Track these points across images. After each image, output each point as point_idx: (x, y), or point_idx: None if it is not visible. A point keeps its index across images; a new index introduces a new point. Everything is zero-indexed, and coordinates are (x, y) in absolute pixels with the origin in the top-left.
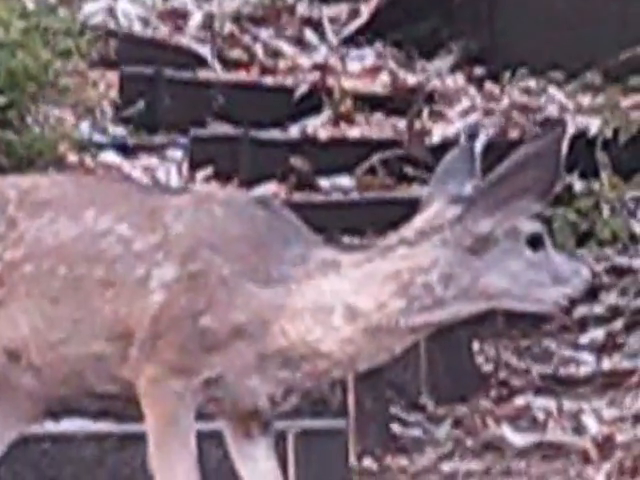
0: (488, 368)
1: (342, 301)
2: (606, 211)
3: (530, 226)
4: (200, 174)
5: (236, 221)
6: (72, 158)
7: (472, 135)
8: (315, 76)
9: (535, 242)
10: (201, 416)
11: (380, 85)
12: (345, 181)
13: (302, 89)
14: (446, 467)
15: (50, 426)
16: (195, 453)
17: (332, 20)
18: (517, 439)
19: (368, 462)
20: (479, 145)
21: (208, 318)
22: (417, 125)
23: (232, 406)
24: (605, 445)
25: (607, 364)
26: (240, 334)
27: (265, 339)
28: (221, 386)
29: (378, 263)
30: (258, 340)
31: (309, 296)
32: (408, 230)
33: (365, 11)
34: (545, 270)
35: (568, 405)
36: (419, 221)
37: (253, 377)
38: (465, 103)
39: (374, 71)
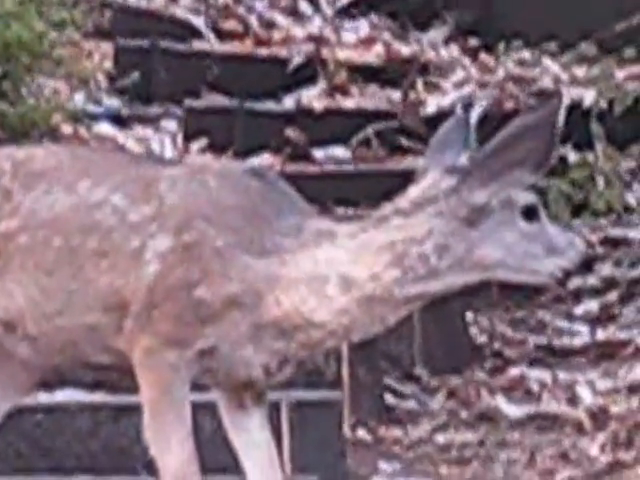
0: (482, 339)
1: (336, 271)
2: (601, 182)
3: (525, 197)
4: (195, 145)
5: (230, 192)
6: (66, 129)
7: (467, 106)
8: (309, 47)
9: (530, 213)
10: (195, 387)
11: (374, 56)
12: (339, 152)
13: (296, 60)
14: (440, 438)
15: (44, 397)
16: (189, 424)
17: None
18: (511, 410)
19: (362, 433)
20: (474, 116)
21: (202, 289)
22: (411, 96)
23: (226, 377)
24: (599, 416)
25: (602, 335)
26: (234, 305)
27: (259, 310)
28: (215, 357)
29: (373, 233)
30: (252, 311)
31: (303, 266)
32: (403, 201)
33: None
34: (540, 241)
35: (562, 376)
36: (414, 192)
37: (247, 348)
38: (460, 74)
39: (368, 42)
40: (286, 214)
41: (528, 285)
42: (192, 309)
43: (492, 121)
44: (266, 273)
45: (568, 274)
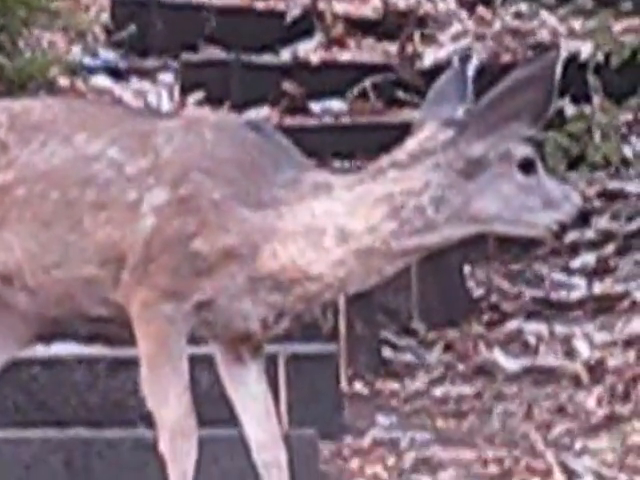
0: (479, 292)
1: (333, 223)
2: (598, 135)
3: (522, 150)
4: (191, 98)
5: (227, 144)
6: (63, 82)
7: (464, 59)
8: (306, 0)
9: (527, 166)
10: (193, 340)
11: (372, 9)
12: (336, 105)
13: (293, 13)
14: (437, 391)
15: (41, 350)
16: (187, 376)
17: None
18: (508, 363)
19: (359, 386)
20: (471, 68)
21: (199, 241)
22: (408, 49)
23: (224, 330)
24: (596, 369)
25: (599, 288)
26: (231, 257)
27: (256, 262)
28: (212, 309)
29: (370, 186)
30: (249, 263)
31: (300, 219)
32: (400, 153)
33: None
34: (536, 194)
35: (559, 329)
36: (411, 144)
37: (244, 300)
38: (457, 27)
39: None
40: (283, 166)
41: (525, 238)
42: (189, 262)
43: (489, 74)
44: (263, 225)
45: (564, 227)
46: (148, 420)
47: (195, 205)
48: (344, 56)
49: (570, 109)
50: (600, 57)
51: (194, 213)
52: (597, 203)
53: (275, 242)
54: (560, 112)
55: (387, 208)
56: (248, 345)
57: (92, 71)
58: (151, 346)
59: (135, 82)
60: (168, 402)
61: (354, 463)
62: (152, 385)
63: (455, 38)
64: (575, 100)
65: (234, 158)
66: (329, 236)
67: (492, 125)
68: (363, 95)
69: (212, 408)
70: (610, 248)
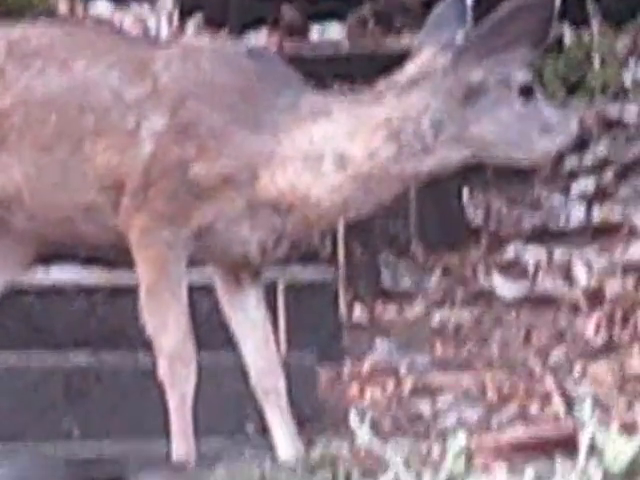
0: (478, 218)
1: (332, 148)
2: (597, 61)
3: (521, 76)
4: (190, 23)
5: (225, 71)
6: (63, 8)
7: None
8: None
9: (526, 92)
10: (192, 265)
11: None
12: (335, 30)
13: None
14: (436, 316)
15: (40, 277)
16: (186, 302)
17: None
18: (507, 289)
19: (358, 311)
20: None
21: (198, 167)
22: None
23: (222, 255)
24: (595, 295)
25: (597, 214)
26: (230, 182)
27: (255, 186)
28: (211, 234)
29: (369, 110)
30: (248, 188)
31: (299, 144)
32: (399, 77)
33: None
34: (535, 120)
35: (558, 255)
36: (410, 68)
37: (243, 225)
38: None
39: None
40: (282, 91)
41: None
42: (187, 187)
43: (489, 0)
44: (261, 150)
45: (563, 152)
46: (147, 346)
47: (194, 131)
48: None
49: (569, 35)
50: None
51: (193, 139)
52: (596, 129)
53: (274, 167)
54: (559, 38)
55: (386, 132)
56: (247, 271)
57: None
58: (150, 272)
59: (134, 8)
60: (167, 328)
61: (353, 388)
62: (151, 311)
63: None
64: (574, 26)
65: (232, 84)
66: (328, 161)
67: (492, 50)
68: (362, 21)
69: (211, 333)
70: (609, 174)
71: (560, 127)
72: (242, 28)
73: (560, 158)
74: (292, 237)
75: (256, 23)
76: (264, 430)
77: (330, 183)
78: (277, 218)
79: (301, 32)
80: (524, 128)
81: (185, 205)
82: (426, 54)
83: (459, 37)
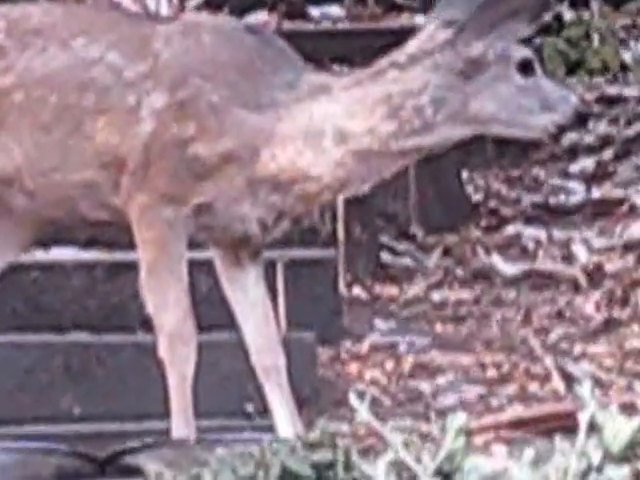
0: (478, 197)
1: (333, 124)
2: (596, 40)
3: (521, 52)
4: (190, 2)
5: (225, 48)
6: None
7: None
8: None
9: (525, 68)
10: (192, 244)
11: None
12: (335, 10)
13: None
14: (436, 296)
15: (40, 255)
16: (186, 280)
17: None
18: (507, 268)
19: (358, 291)
20: None
21: (198, 145)
22: None
23: (223, 233)
24: (595, 274)
25: (597, 193)
26: (230, 160)
27: (255, 164)
28: (212, 213)
29: (369, 87)
30: (248, 165)
31: (299, 120)
32: (399, 54)
33: None
34: (534, 96)
35: (558, 234)
36: (411, 46)
37: (243, 203)
38: None
39: None
40: (282, 69)
41: (523, 141)
42: (188, 165)
43: None
44: (262, 128)
45: (562, 129)
46: (148, 325)
47: (194, 109)
48: None
49: (568, 14)
50: None
51: (193, 117)
52: (596, 108)
53: (274, 144)
54: (558, 17)
55: (386, 109)
56: (247, 249)
57: None
58: (150, 250)
59: None
60: (167, 306)
61: (352, 368)
62: (151, 289)
63: None
64: (573, 5)
65: (233, 61)
66: (328, 137)
67: (490, 24)
68: (362, 0)
69: (211, 312)
70: (609, 153)
71: (560, 103)
72: (241, 10)
73: (560, 134)
74: (292, 213)
75: (255, 5)
76: (264, 410)
77: (331, 159)
78: (277, 196)
79: (300, 12)
80: (524, 103)
81: (185, 183)
82: (426, 31)
83: (466, 15)
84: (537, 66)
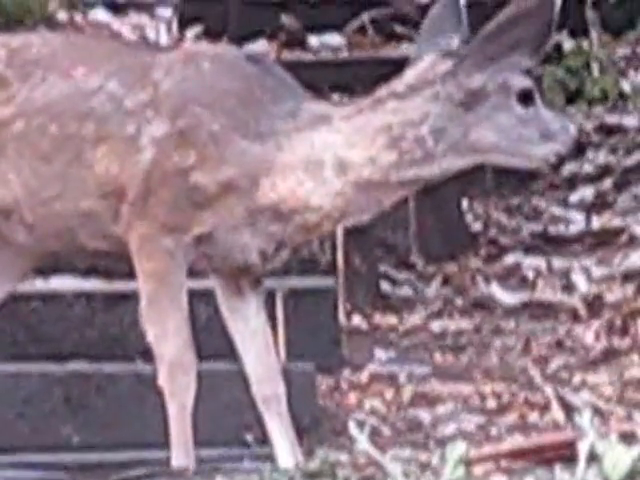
0: (477, 226)
1: (333, 154)
2: (596, 69)
3: (521, 81)
4: (189, 32)
5: (226, 76)
6: (62, 16)
7: None
8: None
9: (525, 98)
10: (192, 273)
11: None
12: (335, 39)
13: None
14: (435, 326)
15: (40, 285)
16: (186, 309)
17: None
18: (506, 298)
19: (357, 320)
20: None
21: (198, 174)
22: None
23: (223, 262)
24: (594, 304)
25: (597, 223)
26: (230, 189)
27: (255, 194)
28: (212, 242)
29: (369, 116)
30: (248, 195)
31: (300, 150)
32: (399, 84)
33: None
34: (534, 126)
35: (558, 264)
36: (410, 75)
37: (244, 232)
38: None
39: None
40: (282, 98)
41: (523, 171)
42: (188, 194)
43: (487, 7)
44: (262, 157)
45: (562, 159)
46: (147, 354)
47: (194, 137)
48: None
49: (568, 43)
50: None
51: (193, 145)
52: (595, 137)
53: (274, 174)
54: (558, 46)
55: (386, 139)
56: (248, 278)
57: (91, 5)
58: (151, 280)
59: (133, 16)
60: (167, 336)
61: (352, 397)
62: (151, 319)
63: None
64: (573, 34)
65: (233, 90)
66: (328, 167)
67: (491, 56)
68: (361, 29)
69: (211, 342)
70: (608, 182)
71: (560, 132)
72: (241, 39)
73: (559, 165)
74: (292, 242)
75: (255, 34)
76: (264, 440)
77: (331, 189)
78: (277, 225)
79: (300, 42)
80: (524, 133)
81: (186, 212)
82: (426, 60)
83: (456, 42)
84: (537, 96)
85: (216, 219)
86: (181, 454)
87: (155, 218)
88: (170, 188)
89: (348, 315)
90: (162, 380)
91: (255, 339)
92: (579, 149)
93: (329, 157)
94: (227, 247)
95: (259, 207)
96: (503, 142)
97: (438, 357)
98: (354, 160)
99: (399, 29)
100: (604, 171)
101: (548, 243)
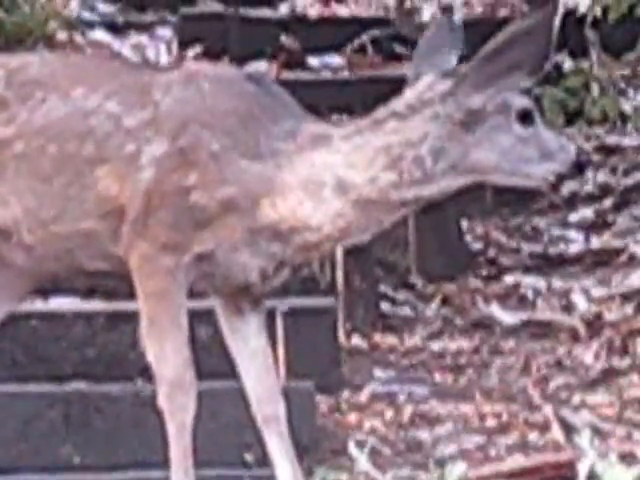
0: (477, 247)
1: (333, 174)
2: (595, 90)
3: (520, 101)
4: (189, 52)
5: (226, 96)
6: (62, 36)
7: (445, 10)
8: None
9: (525, 118)
10: (192, 293)
11: None
12: (335, 59)
13: None
14: (435, 345)
15: (40, 305)
16: (186, 329)
17: None
18: (506, 317)
19: (357, 340)
20: (457, 18)
21: (198, 193)
22: (407, 3)
23: (223, 282)
24: (594, 323)
25: (596, 243)
26: (230, 209)
27: (255, 213)
28: (212, 262)
29: (368, 137)
30: (248, 215)
31: (300, 170)
32: (399, 104)
33: None
34: (534, 146)
35: (557, 284)
36: (409, 95)
37: (244, 252)
38: None
39: None
40: (281, 118)
41: (522, 191)
42: (188, 214)
43: (486, 27)
44: (262, 177)
45: (561, 179)
46: (147, 374)
47: (194, 157)
48: (342, 10)
49: (568, 64)
50: (598, 11)
51: (193, 165)
52: (595, 157)
53: (274, 194)
54: (558, 67)
55: (386, 159)
56: (248, 298)
57: (90, 25)
58: (151, 299)
59: (133, 36)
60: (167, 356)
61: (352, 417)
62: (151, 338)
63: None
64: (573, 55)
65: (233, 110)
66: (328, 187)
67: (490, 77)
68: (361, 49)
69: (211, 361)
70: (608, 202)
71: (559, 152)
72: (241, 59)
73: (559, 184)
74: (292, 262)
75: (255, 54)
76: (263, 460)
77: (331, 209)
78: (277, 245)
79: (300, 62)
80: (523, 153)
81: (186, 232)
82: (425, 81)
83: (454, 61)
84: (536, 116)
85: (216, 239)
86: (181, 474)
87: (155, 238)
88: (170, 208)
89: (348, 335)
90: (162, 400)
91: (255, 359)
92: (579, 169)
93: (329, 177)
94: (227, 267)
95: (259, 227)
96: (503, 162)
97: (438, 377)
98: (354, 180)
99: (399, 49)
100: (604, 191)
101: (548, 263)
